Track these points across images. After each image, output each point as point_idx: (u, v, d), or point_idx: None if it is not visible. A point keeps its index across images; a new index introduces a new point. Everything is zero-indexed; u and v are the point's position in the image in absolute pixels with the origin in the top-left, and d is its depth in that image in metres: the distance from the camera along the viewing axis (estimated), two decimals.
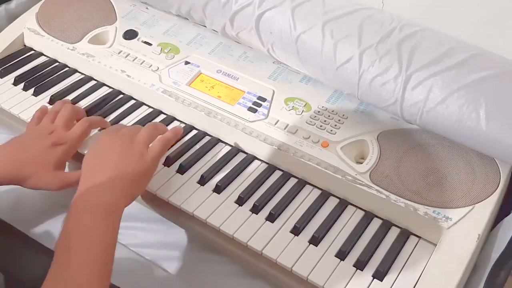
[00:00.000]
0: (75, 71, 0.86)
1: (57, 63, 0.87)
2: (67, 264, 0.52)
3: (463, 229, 0.60)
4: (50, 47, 0.88)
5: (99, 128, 0.75)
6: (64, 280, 0.51)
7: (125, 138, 0.63)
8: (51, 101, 0.80)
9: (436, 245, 0.61)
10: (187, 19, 0.87)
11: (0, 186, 0.65)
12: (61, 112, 0.72)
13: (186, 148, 0.72)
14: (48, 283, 0.50)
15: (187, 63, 0.82)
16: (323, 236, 0.62)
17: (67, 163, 0.72)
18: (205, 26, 0.85)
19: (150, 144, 0.65)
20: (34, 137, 0.69)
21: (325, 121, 0.72)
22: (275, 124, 0.72)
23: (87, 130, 0.72)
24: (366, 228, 0.64)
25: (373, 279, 0.58)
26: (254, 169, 0.70)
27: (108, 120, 0.76)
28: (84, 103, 0.79)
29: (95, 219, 0.55)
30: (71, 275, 0.51)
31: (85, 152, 0.71)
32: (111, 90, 0.82)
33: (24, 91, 0.82)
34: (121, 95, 0.81)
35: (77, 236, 0.54)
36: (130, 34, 0.87)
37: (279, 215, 0.64)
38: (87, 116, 0.76)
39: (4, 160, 0.65)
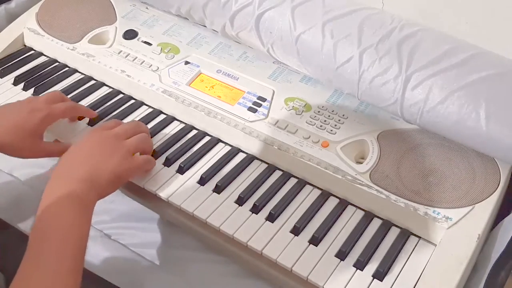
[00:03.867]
0: (75, 71, 0.86)
1: (57, 63, 0.87)
2: (40, 254, 0.52)
3: (463, 229, 0.60)
4: (50, 47, 0.88)
5: (87, 118, 0.76)
6: (38, 271, 0.51)
7: (114, 139, 0.64)
8: None
9: (436, 245, 0.61)
10: (187, 19, 0.87)
11: None
12: (47, 93, 0.73)
13: (186, 148, 0.72)
14: (21, 274, 0.50)
15: (187, 63, 0.82)
16: (323, 236, 0.62)
17: None
18: (205, 26, 0.85)
19: (136, 154, 0.65)
20: (12, 106, 0.70)
21: (325, 121, 0.72)
22: (275, 124, 0.72)
23: (71, 110, 0.72)
24: (366, 228, 0.64)
25: (373, 279, 0.58)
26: (254, 169, 0.70)
27: (108, 120, 0.76)
28: (84, 103, 0.79)
29: (69, 209, 0.55)
30: (45, 265, 0.51)
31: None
32: (111, 90, 0.82)
33: (24, 91, 0.82)
34: (121, 95, 0.81)
35: (51, 225, 0.54)
36: (130, 34, 0.87)
37: (279, 215, 0.64)
38: None
39: None
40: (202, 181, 0.68)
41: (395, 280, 0.58)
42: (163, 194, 0.66)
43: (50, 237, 0.53)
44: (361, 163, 0.67)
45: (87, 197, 0.57)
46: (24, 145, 0.66)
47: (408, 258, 0.61)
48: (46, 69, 0.86)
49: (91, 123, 0.76)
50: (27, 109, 0.68)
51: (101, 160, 0.61)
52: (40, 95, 0.80)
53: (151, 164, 0.67)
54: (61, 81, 0.83)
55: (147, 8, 0.92)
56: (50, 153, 0.69)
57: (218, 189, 0.67)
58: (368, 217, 0.65)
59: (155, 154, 0.71)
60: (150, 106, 0.79)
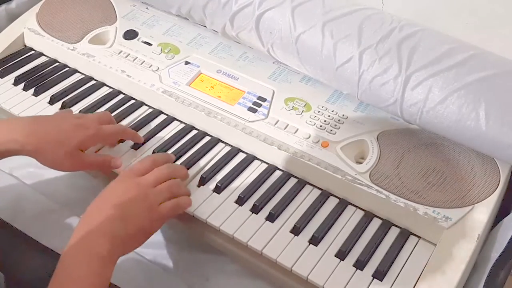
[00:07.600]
0: (75, 71, 0.86)
1: (57, 63, 0.87)
2: None
3: (463, 229, 0.60)
4: (50, 47, 0.88)
5: (132, 142, 0.73)
6: None
7: (141, 188, 0.60)
8: (51, 101, 0.80)
9: (436, 245, 0.61)
10: (187, 19, 0.87)
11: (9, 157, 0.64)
12: (98, 112, 0.72)
13: (186, 148, 0.72)
14: None
15: (187, 63, 0.82)
16: (323, 236, 0.62)
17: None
18: (205, 26, 0.85)
19: (164, 203, 0.61)
20: (60, 117, 0.68)
21: (325, 121, 0.72)
22: (275, 124, 0.72)
23: (118, 133, 0.70)
24: (366, 228, 0.64)
25: (373, 279, 0.58)
26: (254, 169, 0.70)
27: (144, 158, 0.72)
28: (84, 103, 0.79)
29: (90, 269, 0.53)
30: None
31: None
32: (111, 90, 0.82)
33: (24, 91, 0.82)
34: (121, 95, 0.81)
35: (68, 275, 0.53)
36: (130, 34, 0.87)
37: (279, 215, 0.64)
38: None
39: (27, 131, 0.64)
40: (202, 181, 0.68)
41: (395, 280, 0.58)
42: None
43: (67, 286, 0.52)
44: (361, 163, 0.67)
45: (111, 254, 0.55)
46: (64, 160, 0.64)
47: (408, 258, 0.61)
48: (47, 69, 0.86)
49: (135, 146, 0.73)
50: (73, 124, 0.66)
51: (130, 213, 0.57)
52: (57, 103, 0.79)
53: (186, 205, 0.64)
54: (62, 81, 0.84)
55: (147, 8, 0.92)
56: (89, 166, 0.67)
57: (218, 189, 0.67)
58: (368, 217, 0.65)
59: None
60: (150, 106, 0.79)
